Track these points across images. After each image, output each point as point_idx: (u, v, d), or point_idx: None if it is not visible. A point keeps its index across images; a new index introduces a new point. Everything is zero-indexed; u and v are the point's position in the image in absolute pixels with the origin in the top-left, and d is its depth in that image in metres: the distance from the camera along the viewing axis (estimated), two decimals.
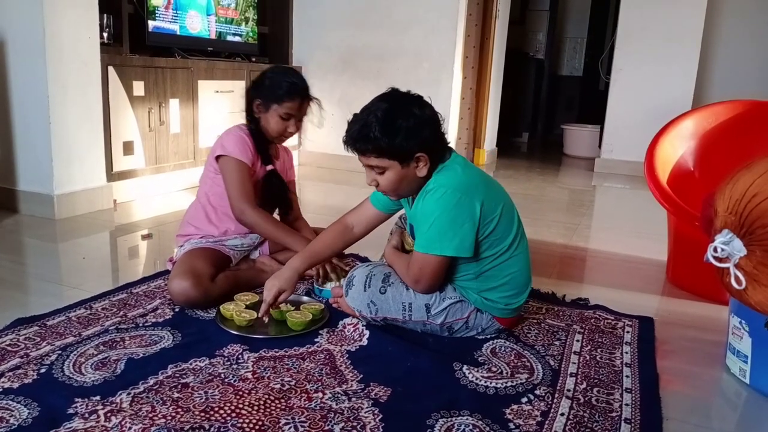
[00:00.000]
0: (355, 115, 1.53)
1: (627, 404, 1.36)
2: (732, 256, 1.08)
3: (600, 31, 7.60)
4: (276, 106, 1.90)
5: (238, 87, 3.86)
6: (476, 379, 1.42)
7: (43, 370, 1.37)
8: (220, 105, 3.70)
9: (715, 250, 1.10)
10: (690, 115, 2.51)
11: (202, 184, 2.02)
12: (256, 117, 1.96)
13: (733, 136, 2.39)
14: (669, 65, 4.81)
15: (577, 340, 1.69)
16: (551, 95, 7.94)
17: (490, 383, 1.41)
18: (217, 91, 3.68)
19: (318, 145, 4.62)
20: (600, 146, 5.23)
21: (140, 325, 1.64)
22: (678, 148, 2.41)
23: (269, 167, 1.98)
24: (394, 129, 1.44)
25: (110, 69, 2.95)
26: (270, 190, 2.00)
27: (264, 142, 1.97)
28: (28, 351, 1.46)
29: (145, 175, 3.25)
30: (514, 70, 6.27)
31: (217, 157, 1.92)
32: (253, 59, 4.19)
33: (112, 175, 3.02)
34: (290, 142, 4.48)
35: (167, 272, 1.95)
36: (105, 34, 3.09)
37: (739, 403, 1.49)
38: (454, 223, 1.48)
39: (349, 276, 1.70)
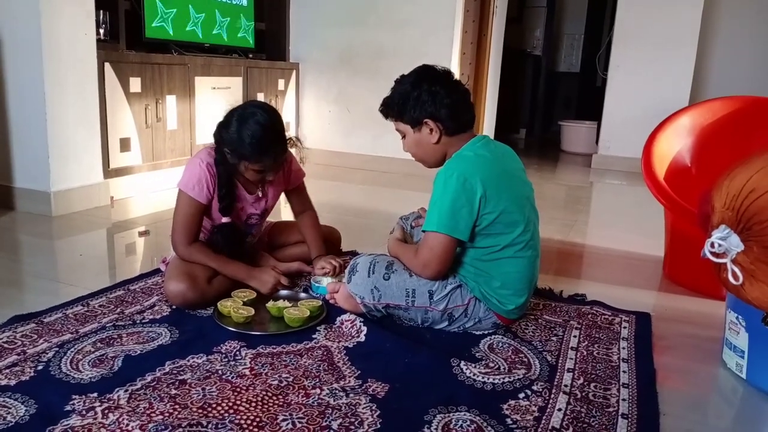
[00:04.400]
0: (395, 81, 1.70)
1: (624, 399, 1.37)
2: (729, 252, 1.08)
3: (597, 28, 7.59)
4: (245, 161, 1.73)
5: (236, 84, 3.86)
6: (474, 374, 1.42)
7: (40, 367, 1.37)
8: (217, 101, 3.69)
9: (713, 245, 1.10)
10: (687, 111, 2.51)
11: None
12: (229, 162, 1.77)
13: (730, 132, 2.39)
14: (666, 62, 4.81)
15: (575, 336, 1.70)
16: (549, 92, 7.94)
17: (488, 379, 1.41)
18: (214, 88, 3.68)
19: (315, 141, 4.62)
20: (597, 143, 5.23)
21: (137, 322, 1.64)
22: (675, 144, 2.41)
23: (225, 219, 1.81)
24: (407, 97, 1.63)
25: (107, 65, 2.95)
26: (224, 241, 1.81)
27: (232, 188, 1.82)
28: (25, 348, 1.45)
29: (142, 172, 3.24)
30: (512, 67, 6.26)
31: None
32: (251, 56, 4.18)
33: (108, 172, 3.02)
34: None
35: (162, 271, 1.94)
36: (101, 31, 3.08)
37: (736, 399, 1.49)
38: (453, 205, 1.54)
39: (351, 263, 1.71)
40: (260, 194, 1.91)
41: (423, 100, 1.61)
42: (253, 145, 1.69)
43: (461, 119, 1.65)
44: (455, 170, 1.56)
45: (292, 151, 1.87)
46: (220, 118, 1.77)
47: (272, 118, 1.74)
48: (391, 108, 1.68)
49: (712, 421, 1.39)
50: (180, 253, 1.78)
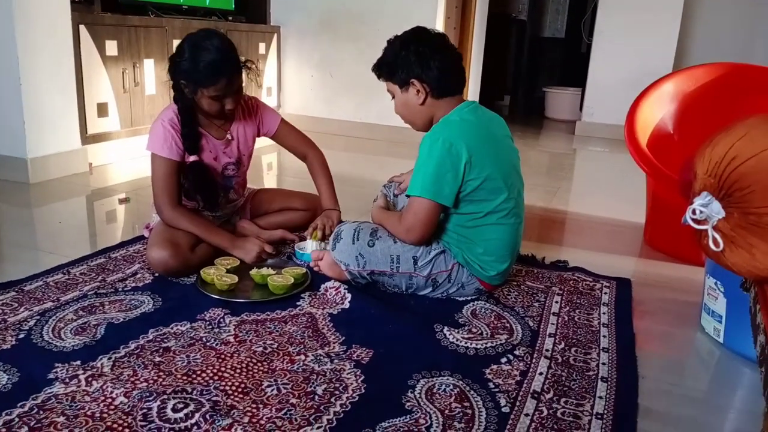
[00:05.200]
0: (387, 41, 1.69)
1: (604, 363, 1.39)
2: (710, 219, 1.09)
3: None
4: (202, 89, 1.70)
5: None
6: (457, 340, 1.44)
7: (21, 336, 1.36)
8: None
9: (694, 212, 1.10)
10: (670, 78, 2.51)
11: None
12: (187, 96, 1.75)
13: (713, 99, 2.39)
14: (650, 28, 4.79)
15: (556, 302, 1.72)
16: (533, 58, 7.88)
17: (471, 344, 1.43)
18: None
19: (297, 107, 4.56)
20: (581, 109, 5.23)
21: (119, 290, 1.63)
22: (658, 111, 2.42)
23: (193, 158, 1.79)
24: (396, 57, 1.63)
25: (81, 28, 2.86)
26: (194, 182, 1.80)
27: (194, 126, 1.79)
28: (6, 317, 1.44)
29: (121, 138, 3.18)
30: (496, 32, 6.19)
31: None
32: (230, 18, 4.08)
33: (86, 138, 2.96)
34: (269, 104, 4.42)
35: (145, 238, 1.92)
36: None
37: (713, 362, 1.53)
38: (438, 170, 1.54)
39: (336, 230, 1.71)
40: (229, 137, 1.88)
41: (411, 60, 1.60)
42: (207, 68, 1.67)
43: (449, 82, 1.64)
44: (440, 135, 1.55)
45: (247, 80, 1.82)
46: None
47: (224, 41, 1.73)
48: (382, 68, 1.68)
49: (690, 384, 1.42)
50: (165, 216, 1.77)
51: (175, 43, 3.37)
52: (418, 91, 1.62)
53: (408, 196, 1.61)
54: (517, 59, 7.44)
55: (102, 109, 3.04)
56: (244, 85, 1.80)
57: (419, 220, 1.58)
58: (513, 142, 1.73)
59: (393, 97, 1.70)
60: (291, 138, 2.04)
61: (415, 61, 1.60)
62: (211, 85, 1.69)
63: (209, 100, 1.73)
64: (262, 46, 4.26)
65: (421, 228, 1.59)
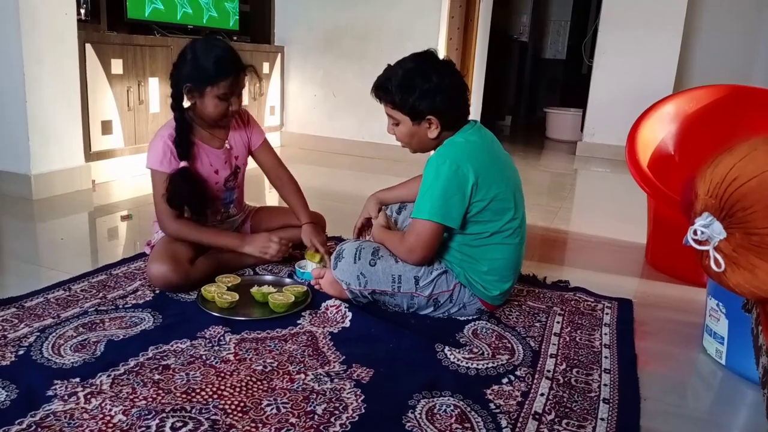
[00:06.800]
0: (388, 65, 1.62)
1: (606, 384, 1.38)
2: (711, 239, 1.09)
3: (584, 14, 7.59)
4: (210, 88, 1.71)
5: None
6: (458, 360, 1.43)
7: (21, 352, 1.35)
8: None
9: (695, 232, 1.10)
10: (671, 99, 2.52)
11: None
12: (190, 102, 1.77)
13: (714, 120, 2.41)
14: (651, 49, 4.82)
15: (558, 322, 1.71)
16: (534, 78, 7.94)
17: (472, 364, 1.42)
18: None
19: (300, 126, 4.58)
20: (582, 130, 5.25)
21: (120, 306, 1.63)
22: (659, 132, 2.43)
23: (183, 163, 1.77)
24: (411, 88, 1.54)
25: (88, 46, 2.89)
26: (179, 190, 1.75)
27: (188, 135, 1.78)
28: (6, 333, 1.44)
29: (124, 155, 3.20)
30: (498, 53, 6.24)
31: None
32: (235, 38, 4.12)
33: (90, 155, 2.97)
34: (272, 122, 4.45)
35: (146, 255, 1.92)
36: (82, 11, 3.01)
37: (715, 384, 1.52)
38: (445, 192, 1.53)
39: (338, 249, 1.70)
40: (227, 146, 1.88)
41: (432, 94, 1.53)
42: (217, 63, 1.70)
43: (462, 114, 1.62)
44: (447, 157, 1.54)
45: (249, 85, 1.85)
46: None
47: (227, 43, 1.78)
48: (388, 93, 1.58)
49: (692, 405, 1.41)
50: (169, 230, 1.77)
51: None
52: (431, 125, 1.58)
53: (413, 218, 1.60)
54: (518, 80, 7.50)
55: (106, 127, 3.06)
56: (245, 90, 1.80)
57: (422, 241, 1.57)
58: (512, 161, 1.74)
59: (396, 123, 1.63)
60: (270, 157, 2.01)
61: (436, 95, 1.53)
62: (220, 81, 1.71)
63: (215, 101, 1.73)
64: (266, 66, 4.30)
65: (422, 249, 1.58)
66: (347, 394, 1.27)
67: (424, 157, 1.62)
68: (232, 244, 1.83)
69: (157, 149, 1.77)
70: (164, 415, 1.15)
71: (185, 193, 1.76)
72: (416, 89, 1.54)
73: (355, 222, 1.94)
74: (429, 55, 1.60)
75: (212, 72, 1.70)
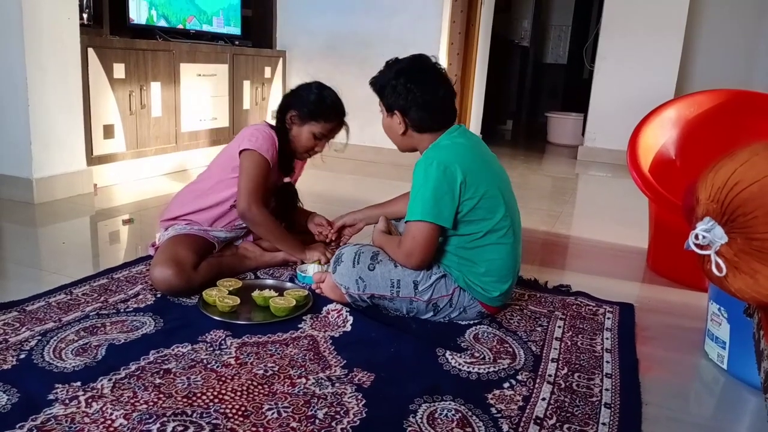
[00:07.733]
0: (387, 61, 1.71)
1: (607, 389, 1.38)
2: (713, 244, 1.09)
3: (585, 19, 7.60)
4: (313, 123, 1.90)
5: (221, 71, 3.82)
6: (459, 364, 1.43)
7: (22, 356, 1.35)
8: (203, 88, 3.65)
9: (697, 237, 1.10)
10: (672, 104, 2.52)
11: (211, 174, 1.95)
12: (286, 126, 1.93)
13: (715, 125, 2.41)
14: (653, 54, 4.83)
15: (559, 326, 1.71)
16: (536, 83, 7.95)
17: (473, 369, 1.42)
18: (200, 75, 3.63)
19: None
20: (583, 134, 5.26)
21: (121, 310, 1.63)
22: (660, 136, 2.43)
23: (286, 179, 1.98)
24: (387, 83, 1.65)
25: (90, 51, 2.90)
26: (281, 202, 2.01)
27: (290, 152, 1.96)
28: (7, 337, 1.44)
29: (126, 159, 3.20)
30: (499, 58, 6.26)
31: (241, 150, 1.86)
32: (237, 43, 4.13)
33: (92, 159, 2.98)
34: None
35: (149, 257, 1.93)
36: (85, 16, 3.03)
37: (717, 389, 1.51)
38: (435, 193, 1.55)
39: (337, 253, 1.71)
40: (294, 170, 2.05)
41: (398, 92, 1.63)
42: (332, 106, 1.91)
43: (433, 120, 1.66)
44: (434, 159, 1.57)
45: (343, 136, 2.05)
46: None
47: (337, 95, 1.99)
48: (374, 87, 1.71)
49: (693, 410, 1.41)
50: (252, 213, 1.83)
51: (183, 66, 3.47)
52: (399, 122, 1.66)
53: (407, 222, 1.61)
54: (519, 84, 7.51)
55: (108, 131, 3.07)
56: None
57: (418, 244, 1.58)
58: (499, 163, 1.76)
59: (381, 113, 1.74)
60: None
61: (401, 94, 1.62)
62: (325, 122, 1.90)
63: (310, 136, 1.91)
64: (267, 70, 4.31)
65: (420, 252, 1.59)
66: (348, 398, 1.27)
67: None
68: (294, 249, 1.94)
69: (264, 135, 1.87)
70: (165, 419, 1.15)
71: (286, 206, 2.01)
72: (388, 84, 1.64)
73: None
74: (416, 59, 1.68)
75: (325, 110, 1.90)
